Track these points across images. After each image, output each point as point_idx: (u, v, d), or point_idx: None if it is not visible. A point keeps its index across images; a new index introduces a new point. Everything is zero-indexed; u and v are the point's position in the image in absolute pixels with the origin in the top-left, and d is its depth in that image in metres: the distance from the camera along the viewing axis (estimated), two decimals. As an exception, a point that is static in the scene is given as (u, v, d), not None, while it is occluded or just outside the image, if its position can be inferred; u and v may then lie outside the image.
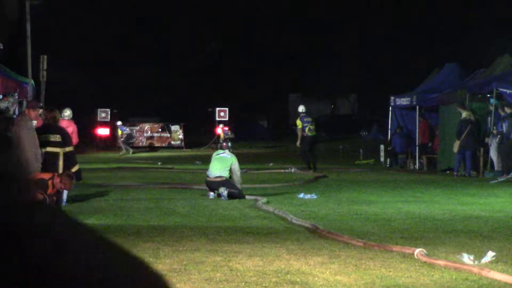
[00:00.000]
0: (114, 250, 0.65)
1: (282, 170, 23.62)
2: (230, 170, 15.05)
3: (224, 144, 15.93)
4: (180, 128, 43.52)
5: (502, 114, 20.58)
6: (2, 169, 0.61)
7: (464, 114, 21.71)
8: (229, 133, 39.64)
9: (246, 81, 52.27)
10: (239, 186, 14.86)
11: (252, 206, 13.35)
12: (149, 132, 42.91)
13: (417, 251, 8.28)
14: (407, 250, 8.55)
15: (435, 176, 21.77)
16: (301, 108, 24.56)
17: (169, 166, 26.16)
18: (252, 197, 14.49)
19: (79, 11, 50.72)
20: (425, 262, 7.99)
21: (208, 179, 15.03)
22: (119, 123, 38.47)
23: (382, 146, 28.46)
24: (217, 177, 14.81)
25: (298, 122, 24.14)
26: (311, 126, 24.03)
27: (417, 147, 25.75)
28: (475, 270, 7.55)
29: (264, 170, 24.35)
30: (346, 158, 31.78)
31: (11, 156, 0.63)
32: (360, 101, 57.81)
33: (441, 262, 7.92)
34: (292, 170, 23.34)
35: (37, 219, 0.60)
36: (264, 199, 13.88)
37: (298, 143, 24.03)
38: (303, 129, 23.93)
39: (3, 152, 0.63)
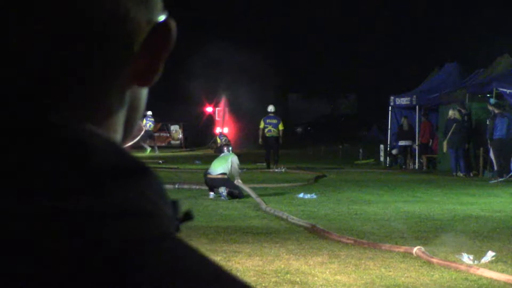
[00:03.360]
0: None
1: (271, 170, 23.71)
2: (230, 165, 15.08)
3: (225, 147, 16.03)
4: (180, 128, 43.55)
5: (496, 111, 20.54)
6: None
7: (450, 113, 21.81)
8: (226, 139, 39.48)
9: (246, 81, 52.36)
10: (238, 178, 14.94)
11: (251, 206, 13.35)
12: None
13: (416, 249, 8.35)
14: (396, 248, 8.67)
15: (435, 176, 21.78)
16: (269, 108, 24.78)
17: (174, 166, 25.87)
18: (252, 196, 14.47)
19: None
20: (423, 260, 8.01)
21: (209, 176, 15.02)
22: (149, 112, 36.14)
23: (382, 146, 28.48)
24: (218, 174, 14.85)
25: (261, 122, 24.59)
26: (272, 128, 24.33)
27: (417, 147, 25.76)
28: (463, 267, 7.62)
29: (254, 170, 24.28)
30: (346, 158, 31.78)
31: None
32: (360, 101, 57.80)
33: (435, 260, 7.99)
34: (283, 170, 23.46)
35: None
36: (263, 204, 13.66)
37: (260, 141, 24.64)
38: (263, 129, 24.41)
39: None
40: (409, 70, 41.34)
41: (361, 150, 30.96)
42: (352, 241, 9.17)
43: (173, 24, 0.69)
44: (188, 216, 0.70)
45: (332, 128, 50.68)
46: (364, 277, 7.34)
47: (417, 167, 25.51)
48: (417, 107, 26.08)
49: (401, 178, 21.03)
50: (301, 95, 57.45)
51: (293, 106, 57.74)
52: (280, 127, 24.59)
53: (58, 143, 0.61)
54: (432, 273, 7.51)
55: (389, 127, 27.85)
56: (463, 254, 8.13)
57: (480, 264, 7.82)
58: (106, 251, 0.58)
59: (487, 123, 21.17)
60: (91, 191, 0.59)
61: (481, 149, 21.45)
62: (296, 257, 8.23)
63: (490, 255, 8.08)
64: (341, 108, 59.53)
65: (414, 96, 26.21)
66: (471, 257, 8.02)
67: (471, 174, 21.61)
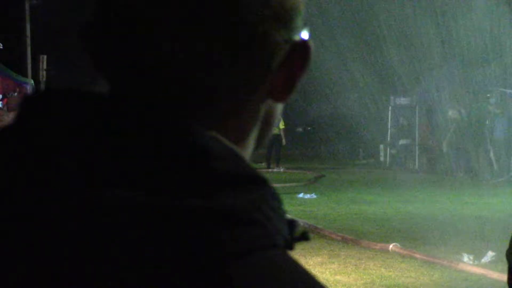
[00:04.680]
0: None
1: (270, 170, 23.76)
2: None
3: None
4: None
5: (497, 111, 20.56)
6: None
7: (450, 113, 21.83)
8: None
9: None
10: None
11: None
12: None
13: (392, 245, 8.47)
14: (378, 245, 8.78)
15: (435, 176, 21.77)
16: None
17: None
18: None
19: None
20: (401, 254, 8.08)
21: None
22: None
23: (382, 146, 28.47)
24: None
25: None
26: None
27: (417, 147, 25.78)
28: (445, 263, 7.70)
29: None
30: (346, 158, 31.78)
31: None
32: (360, 101, 57.78)
33: (418, 256, 8.05)
34: (281, 170, 23.50)
35: None
36: None
37: None
38: None
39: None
40: (409, 71, 41.30)
41: (361, 150, 30.94)
42: (340, 238, 9.37)
43: (311, 44, 0.73)
44: (304, 236, 0.72)
45: (332, 128, 50.61)
46: (364, 277, 7.34)
47: (417, 167, 25.49)
48: (417, 107, 26.08)
49: (401, 178, 21.02)
50: (301, 95, 57.41)
51: (293, 106, 57.75)
52: (281, 125, 24.54)
53: (184, 148, 0.64)
54: (432, 273, 7.51)
55: (389, 127, 27.86)
56: (463, 254, 8.14)
57: (480, 264, 7.83)
58: (209, 254, 0.60)
59: (487, 123, 21.16)
60: (202, 193, 0.62)
61: (481, 149, 21.44)
62: (296, 257, 8.22)
63: (490, 255, 8.08)
64: (341, 108, 59.51)
65: (414, 96, 26.22)
66: (471, 257, 8.02)
67: (471, 174, 21.60)
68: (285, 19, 0.71)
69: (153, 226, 0.60)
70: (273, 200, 0.66)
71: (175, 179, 0.62)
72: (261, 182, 0.66)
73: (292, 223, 0.68)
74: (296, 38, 0.72)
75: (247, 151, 0.73)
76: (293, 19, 0.72)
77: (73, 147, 0.64)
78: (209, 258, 0.60)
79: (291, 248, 0.68)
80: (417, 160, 25.80)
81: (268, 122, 0.75)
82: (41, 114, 0.68)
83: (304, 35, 0.73)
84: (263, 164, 25.36)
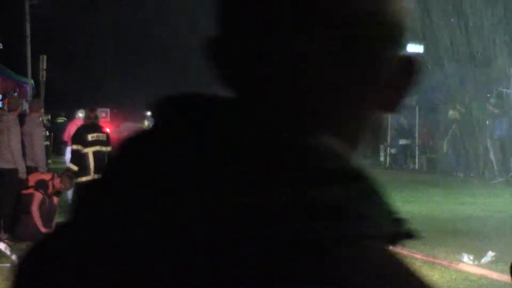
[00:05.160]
0: None
1: None
2: None
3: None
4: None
5: (496, 111, 20.57)
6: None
7: (450, 113, 21.84)
8: None
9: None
10: None
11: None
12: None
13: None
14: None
15: (435, 176, 21.78)
16: None
17: None
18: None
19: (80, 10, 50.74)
20: (423, 260, 8.02)
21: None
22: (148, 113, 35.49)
23: (382, 146, 28.48)
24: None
25: None
26: None
27: (417, 147, 25.78)
28: (445, 263, 7.68)
29: None
30: (346, 158, 31.81)
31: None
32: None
33: (418, 256, 8.04)
34: None
35: None
36: None
37: None
38: None
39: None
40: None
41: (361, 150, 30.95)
42: None
43: (416, 58, 0.78)
44: (409, 234, 0.75)
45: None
46: (364, 277, 7.34)
47: (417, 167, 25.50)
48: (417, 107, 26.08)
49: (401, 178, 21.03)
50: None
51: (293, 106, 57.82)
52: None
53: (292, 149, 0.69)
54: (432, 273, 7.51)
55: (389, 127, 27.86)
56: (463, 254, 8.14)
57: (480, 264, 7.83)
58: (302, 244, 0.64)
59: (487, 123, 21.15)
60: (296, 187, 0.66)
61: (481, 149, 21.44)
62: (296, 257, 8.23)
63: (490, 255, 8.09)
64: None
65: (414, 96, 26.21)
66: (471, 257, 8.02)
67: (471, 174, 21.60)
68: (393, 36, 0.76)
69: (254, 219, 0.64)
70: (373, 196, 0.71)
71: (276, 175, 0.66)
72: (364, 179, 0.72)
73: (398, 220, 0.74)
74: (404, 53, 0.77)
75: (356, 155, 0.80)
76: (401, 35, 0.76)
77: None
78: (299, 248, 0.64)
79: (394, 243, 0.72)
80: (417, 160, 25.80)
81: (376, 131, 0.81)
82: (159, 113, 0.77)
83: (414, 48, 0.78)
84: None
